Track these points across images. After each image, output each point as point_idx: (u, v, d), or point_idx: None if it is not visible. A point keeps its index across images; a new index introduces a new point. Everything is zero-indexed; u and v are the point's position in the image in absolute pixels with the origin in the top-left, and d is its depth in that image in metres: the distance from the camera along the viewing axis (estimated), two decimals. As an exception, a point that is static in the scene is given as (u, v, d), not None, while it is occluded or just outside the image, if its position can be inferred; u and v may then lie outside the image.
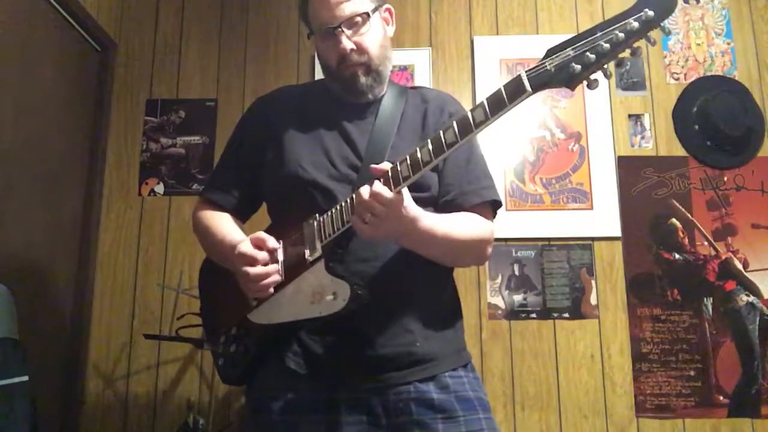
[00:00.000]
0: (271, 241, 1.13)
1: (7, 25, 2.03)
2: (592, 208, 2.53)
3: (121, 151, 2.65)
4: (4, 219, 1.99)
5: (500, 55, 2.67)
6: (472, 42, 2.71)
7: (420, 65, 2.67)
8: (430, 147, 1.00)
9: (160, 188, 2.61)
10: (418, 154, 1.00)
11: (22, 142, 2.10)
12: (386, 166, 1.02)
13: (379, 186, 1.00)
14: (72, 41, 2.45)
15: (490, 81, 2.64)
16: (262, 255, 1.11)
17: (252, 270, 1.09)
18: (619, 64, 0.88)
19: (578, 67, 0.88)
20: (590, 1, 2.75)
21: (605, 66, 0.88)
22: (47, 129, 2.27)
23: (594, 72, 0.89)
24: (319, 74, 2.65)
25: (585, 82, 0.90)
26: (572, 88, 0.91)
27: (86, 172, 2.54)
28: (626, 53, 0.87)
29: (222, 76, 2.72)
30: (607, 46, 0.86)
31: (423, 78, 2.63)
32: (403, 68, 2.65)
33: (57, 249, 2.34)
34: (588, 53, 0.87)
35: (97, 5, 2.58)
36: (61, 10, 2.32)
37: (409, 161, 1.01)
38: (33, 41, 2.18)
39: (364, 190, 1.00)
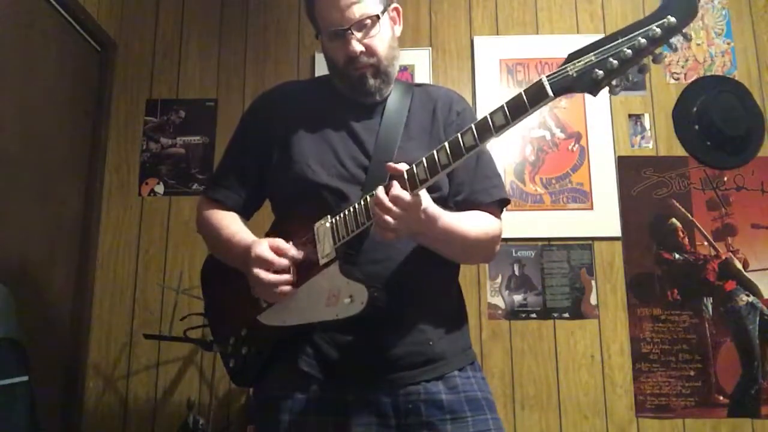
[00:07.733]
0: (293, 251, 1.12)
1: (8, 25, 2.03)
2: (592, 208, 2.53)
3: (121, 151, 2.65)
4: (4, 219, 1.99)
5: (500, 55, 2.67)
6: (472, 42, 2.71)
7: (420, 65, 2.66)
8: (448, 150, 0.98)
9: (160, 188, 2.61)
10: (436, 157, 0.98)
11: (22, 142, 2.10)
12: (403, 167, 1.00)
13: (397, 189, 0.98)
14: (72, 41, 2.45)
15: (490, 81, 2.64)
16: (280, 261, 1.10)
17: (266, 275, 1.09)
18: (641, 70, 0.87)
19: (601, 72, 0.88)
20: (590, 1, 2.74)
21: (627, 72, 0.88)
22: (47, 129, 2.27)
23: (616, 77, 0.88)
24: (319, 73, 2.65)
25: (607, 88, 0.90)
26: (595, 94, 0.90)
27: (86, 172, 2.54)
28: (648, 59, 0.86)
29: (222, 76, 2.72)
30: (629, 52, 0.85)
31: (423, 78, 2.63)
32: (404, 68, 2.64)
33: (57, 249, 2.34)
34: (611, 59, 0.87)
35: (97, 5, 2.58)
36: (61, 10, 2.32)
37: (426, 164, 0.99)
38: (33, 41, 2.18)
39: (381, 193, 0.99)
